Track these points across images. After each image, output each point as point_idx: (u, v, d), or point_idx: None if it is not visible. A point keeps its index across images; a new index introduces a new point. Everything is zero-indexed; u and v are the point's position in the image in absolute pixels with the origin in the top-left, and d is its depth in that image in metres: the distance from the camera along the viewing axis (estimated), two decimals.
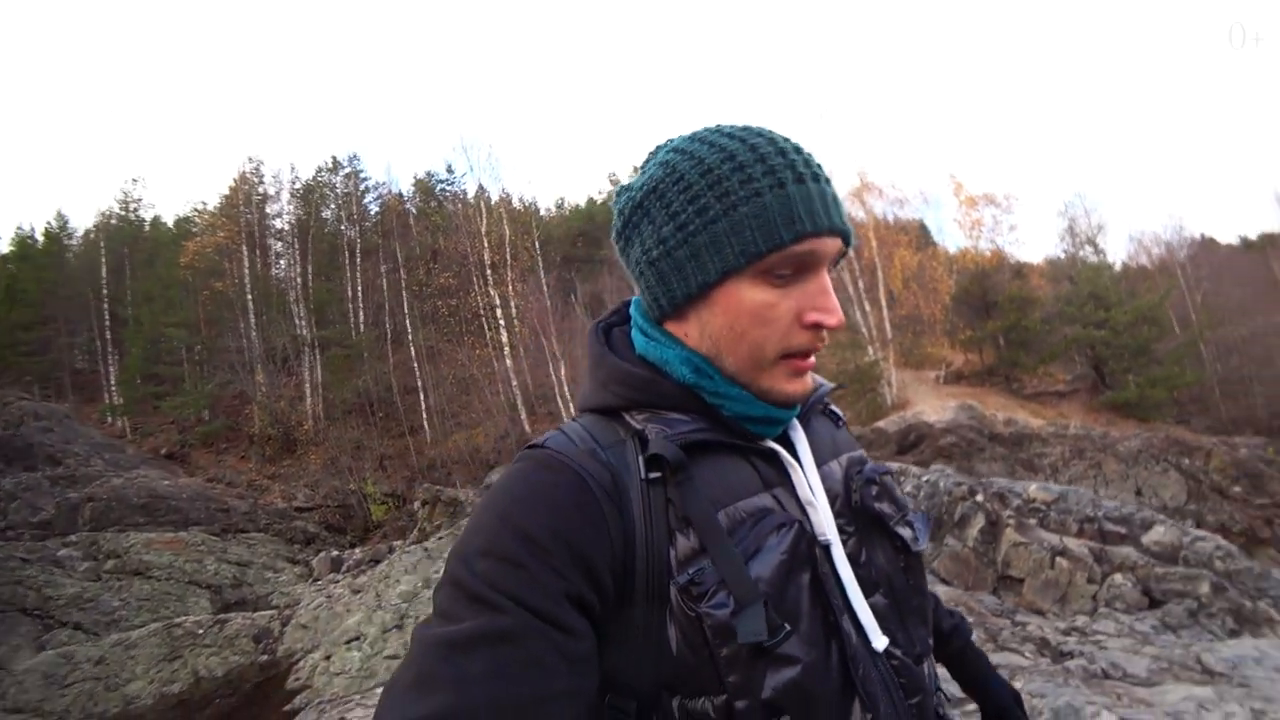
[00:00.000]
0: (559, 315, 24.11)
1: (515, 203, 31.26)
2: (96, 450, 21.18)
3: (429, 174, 35.00)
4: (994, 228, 23.18)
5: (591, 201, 43.50)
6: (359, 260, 28.79)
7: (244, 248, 26.17)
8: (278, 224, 30.05)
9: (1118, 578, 4.44)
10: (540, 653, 0.57)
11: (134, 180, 34.00)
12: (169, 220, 34.90)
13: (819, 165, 0.70)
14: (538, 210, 35.84)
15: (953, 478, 5.79)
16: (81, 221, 34.36)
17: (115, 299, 27.81)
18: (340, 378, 25.58)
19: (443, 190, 33.58)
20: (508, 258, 25.49)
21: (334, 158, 32.92)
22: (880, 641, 0.70)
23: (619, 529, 0.64)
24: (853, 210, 25.70)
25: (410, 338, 26.00)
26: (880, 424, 16.87)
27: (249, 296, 25.46)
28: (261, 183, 29.66)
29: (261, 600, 13.46)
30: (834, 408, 0.90)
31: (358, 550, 15.38)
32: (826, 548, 0.70)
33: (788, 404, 0.73)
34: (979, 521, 5.05)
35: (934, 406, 17.77)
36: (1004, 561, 4.77)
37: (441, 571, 0.70)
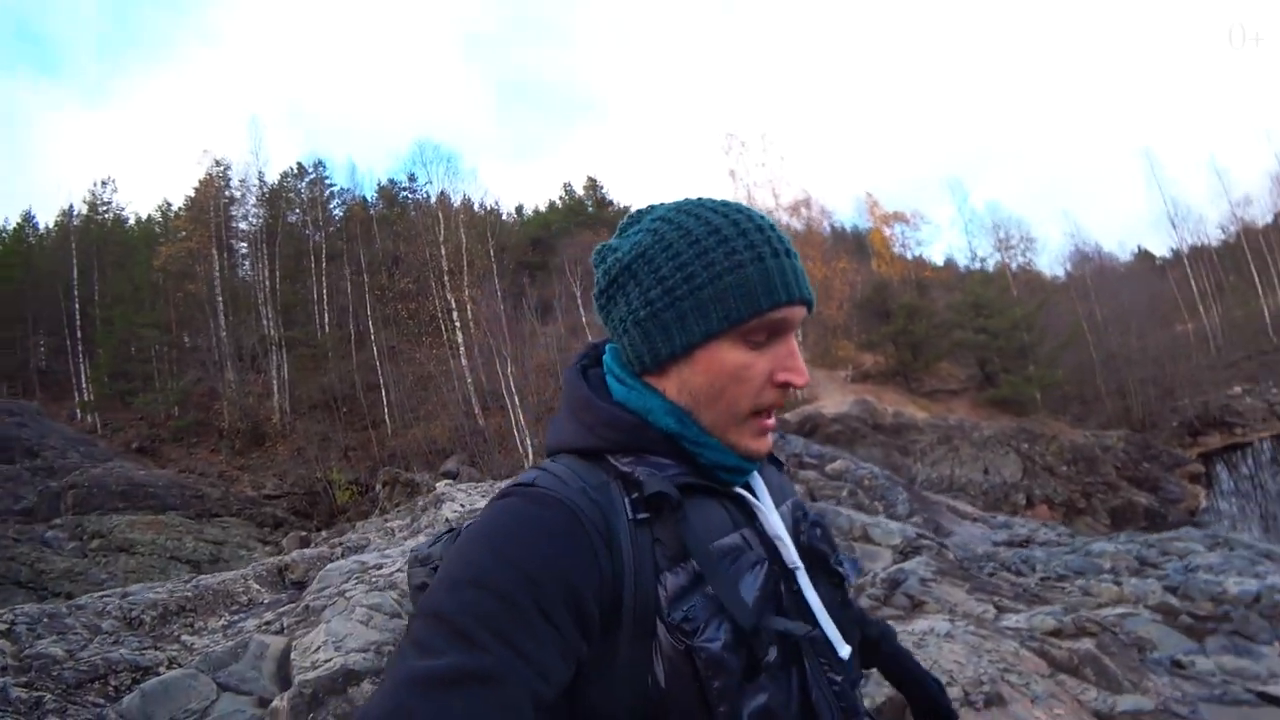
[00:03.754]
0: (511, 319, 26.26)
1: (476, 208, 33.30)
2: (71, 444, 22.45)
3: (392, 181, 36.74)
4: (904, 242, 26.17)
5: (553, 205, 45.53)
6: (324, 264, 30.40)
7: (214, 250, 27.67)
8: (243, 226, 31.48)
9: None
10: (518, 697, 0.57)
11: (103, 182, 34.70)
12: (133, 221, 36.08)
13: (789, 243, 0.78)
14: (499, 214, 37.79)
15: None
16: (46, 220, 34.89)
17: (84, 299, 28.88)
18: (306, 375, 27.27)
19: (405, 198, 35.34)
20: (464, 264, 27.49)
21: (299, 163, 34.37)
22: (845, 649, 0.77)
23: (609, 567, 0.66)
24: (791, 222, 28.54)
25: (373, 338, 27.80)
26: (785, 415, 19.48)
27: (219, 298, 27.01)
28: (228, 186, 31.08)
29: None
30: (779, 455, 0.98)
31: (324, 532, 17.10)
32: (794, 573, 0.78)
33: (753, 459, 0.79)
34: None
35: (835, 401, 20.40)
36: None
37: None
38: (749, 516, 0.79)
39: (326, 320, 29.94)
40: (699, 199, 0.81)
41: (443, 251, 27.06)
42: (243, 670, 2.57)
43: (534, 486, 0.71)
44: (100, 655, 2.53)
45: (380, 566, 3.37)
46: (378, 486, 19.83)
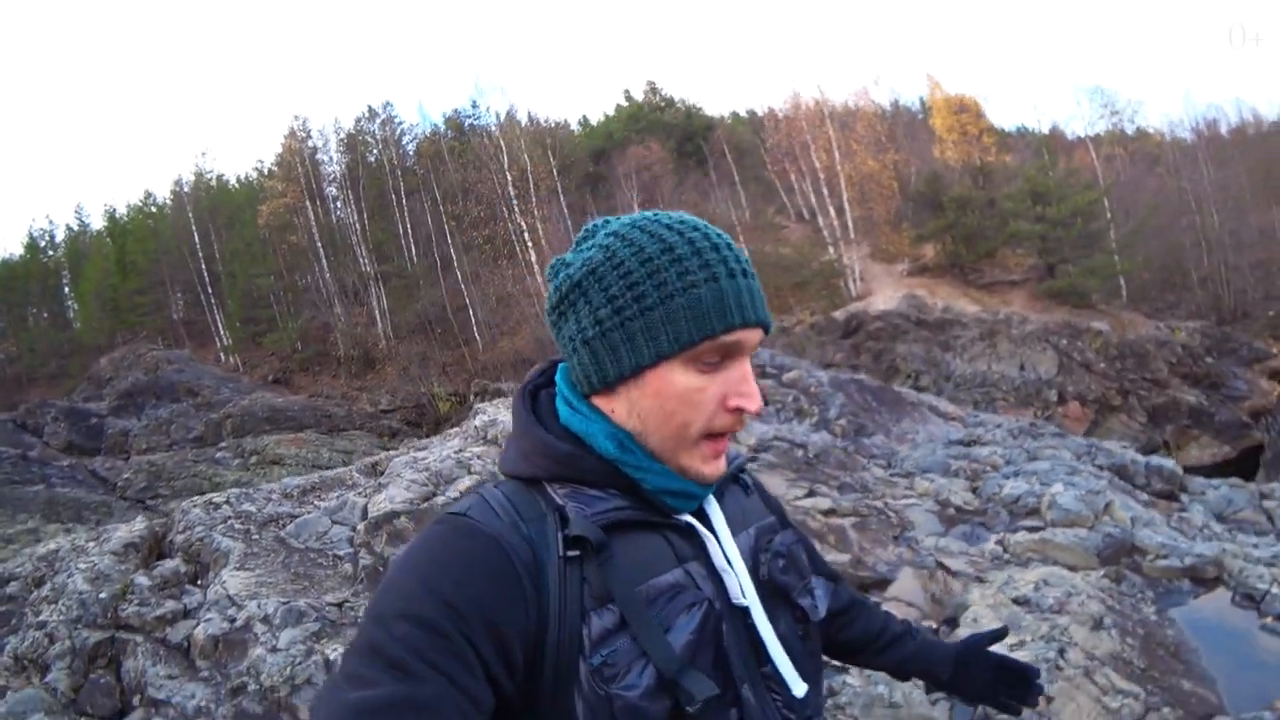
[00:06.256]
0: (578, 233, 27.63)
1: (542, 122, 34.47)
2: (221, 382, 26.43)
3: (456, 111, 38.21)
4: (966, 128, 25.42)
5: (617, 110, 45.76)
6: (404, 200, 32.82)
7: (307, 202, 30.63)
8: (329, 170, 34.24)
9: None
10: None
11: (203, 153, 38.83)
12: (234, 181, 39.99)
13: (747, 262, 0.75)
14: (567, 126, 38.66)
15: None
16: (163, 194, 39.35)
17: (208, 257, 32.84)
18: (402, 304, 30.33)
19: (470, 125, 36.82)
20: (531, 187, 29.08)
21: (370, 107, 36.36)
22: (800, 688, 0.77)
23: (535, 605, 0.65)
24: (851, 102, 28.01)
25: (456, 264, 30.29)
26: (836, 314, 20.30)
27: (318, 244, 30.13)
28: (309, 138, 33.72)
29: None
30: (746, 477, 0.93)
31: (432, 439, 20.21)
32: (744, 612, 0.75)
33: (704, 484, 0.76)
34: None
35: (887, 296, 20.92)
36: None
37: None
38: (699, 549, 0.76)
39: (414, 252, 32.63)
40: (655, 214, 0.78)
41: (508, 178, 28.67)
42: (345, 514, 4.69)
43: (465, 517, 0.70)
44: (272, 510, 4.69)
45: (426, 457, 5.37)
46: (472, 397, 22.61)
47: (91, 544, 4.08)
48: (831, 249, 22.86)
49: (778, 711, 0.75)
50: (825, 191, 24.06)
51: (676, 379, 0.72)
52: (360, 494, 4.99)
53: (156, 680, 2.98)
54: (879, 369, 16.98)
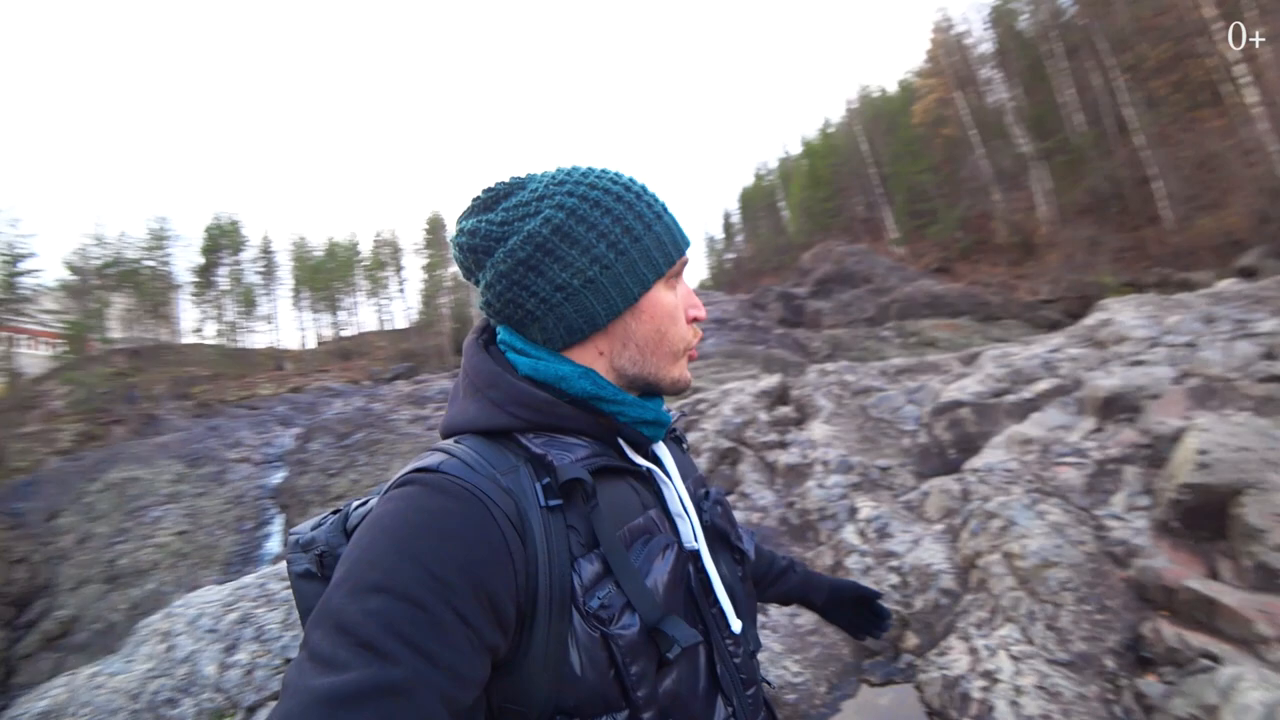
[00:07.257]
0: None
1: None
2: (890, 271, 29.80)
3: None
4: None
5: None
6: (1064, 64, 29.03)
7: (956, 92, 30.63)
8: (978, 53, 32.83)
9: None
10: (431, 706, 0.55)
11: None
12: (892, 89, 42.72)
13: None
14: None
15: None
16: (834, 116, 44.88)
17: (876, 162, 36.79)
18: (1066, 183, 27.61)
19: None
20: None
21: None
22: (737, 624, 0.81)
23: (523, 560, 0.64)
24: None
25: (1133, 127, 25.47)
26: None
27: (971, 133, 29.99)
28: (952, 27, 33.04)
29: None
30: (679, 432, 1.00)
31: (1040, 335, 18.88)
32: (696, 554, 0.79)
33: (683, 387, 0.85)
34: None
35: None
36: None
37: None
38: (655, 495, 0.80)
39: (1079, 121, 28.86)
40: (570, 168, 0.82)
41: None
42: (920, 396, 5.86)
43: (439, 473, 0.67)
44: (866, 383, 6.26)
45: (1014, 354, 5.98)
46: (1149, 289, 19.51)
47: (748, 384, 6.57)
48: None
49: (727, 647, 0.79)
50: None
51: (664, 298, 0.81)
52: (942, 380, 5.81)
53: (750, 481, 4.81)
54: None
